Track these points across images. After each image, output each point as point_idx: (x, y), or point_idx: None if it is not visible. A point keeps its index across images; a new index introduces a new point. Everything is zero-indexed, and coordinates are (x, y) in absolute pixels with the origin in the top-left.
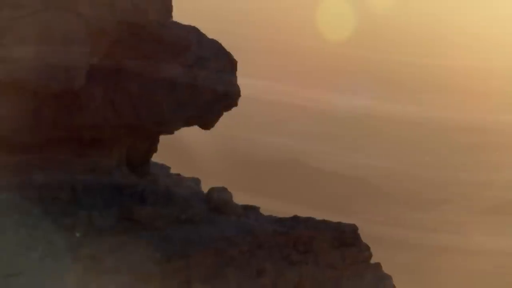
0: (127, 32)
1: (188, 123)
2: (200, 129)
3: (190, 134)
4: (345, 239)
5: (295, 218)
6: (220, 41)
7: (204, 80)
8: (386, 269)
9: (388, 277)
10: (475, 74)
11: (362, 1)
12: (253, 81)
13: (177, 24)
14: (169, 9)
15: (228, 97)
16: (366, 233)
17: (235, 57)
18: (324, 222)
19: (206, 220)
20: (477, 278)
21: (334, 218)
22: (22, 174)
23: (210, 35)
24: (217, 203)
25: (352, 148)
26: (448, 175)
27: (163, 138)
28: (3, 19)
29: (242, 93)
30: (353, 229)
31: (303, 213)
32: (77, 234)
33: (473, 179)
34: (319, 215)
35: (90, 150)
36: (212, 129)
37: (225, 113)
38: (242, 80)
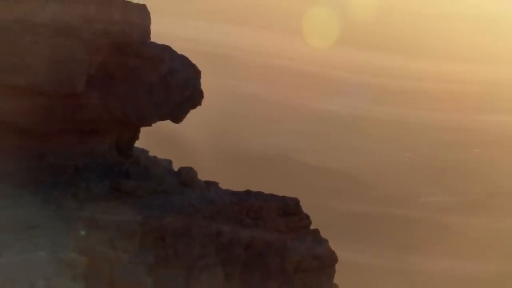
0: (116, 50)
1: (163, 119)
2: (198, 127)
3: (189, 133)
4: (289, 209)
5: (248, 192)
6: (214, 43)
7: (175, 86)
8: (371, 258)
9: (325, 241)
10: (455, 78)
11: (348, 10)
12: (248, 82)
13: (154, 44)
14: (148, 32)
15: (193, 99)
16: (349, 223)
17: (235, 60)
18: (271, 195)
19: (176, 191)
20: (458, 265)
21: (322, 208)
22: (38, 155)
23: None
24: (185, 179)
25: (338, 146)
26: (427, 172)
27: (164, 137)
28: (26, 42)
29: (239, 93)
30: (296, 202)
31: None
32: (82, 233)
33: (452, 174)
34: (303, 204)
35: (88, 138)
36: (210, 127)
37: (223, 113)
38: (239, 82)
